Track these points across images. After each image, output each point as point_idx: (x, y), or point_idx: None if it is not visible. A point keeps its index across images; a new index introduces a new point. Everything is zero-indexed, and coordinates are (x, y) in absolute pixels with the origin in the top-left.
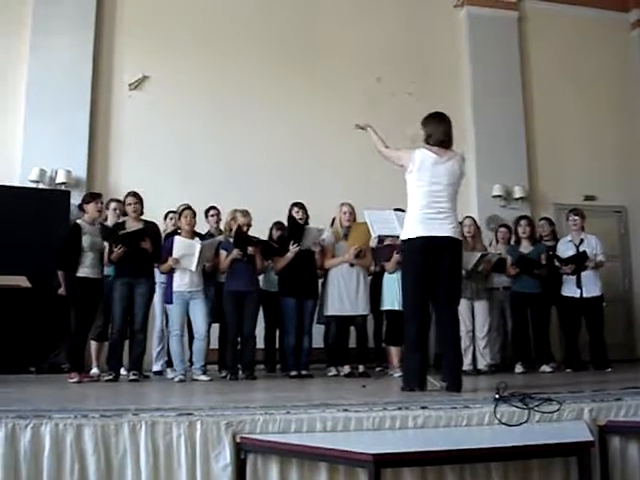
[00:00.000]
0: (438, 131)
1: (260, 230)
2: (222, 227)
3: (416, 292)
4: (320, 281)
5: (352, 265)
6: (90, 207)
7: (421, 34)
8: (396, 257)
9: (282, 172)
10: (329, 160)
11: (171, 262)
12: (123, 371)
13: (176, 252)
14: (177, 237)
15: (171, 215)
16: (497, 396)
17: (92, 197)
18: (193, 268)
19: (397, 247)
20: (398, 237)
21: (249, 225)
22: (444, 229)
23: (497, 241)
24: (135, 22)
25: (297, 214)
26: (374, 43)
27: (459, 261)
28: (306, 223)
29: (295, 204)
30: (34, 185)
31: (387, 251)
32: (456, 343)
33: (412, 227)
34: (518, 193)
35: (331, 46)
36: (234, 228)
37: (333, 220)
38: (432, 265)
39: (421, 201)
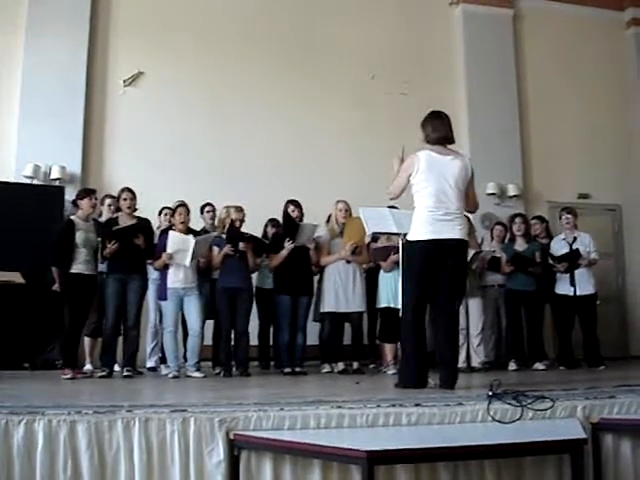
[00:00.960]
0: (437, 129)
1: (256, 228)
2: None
3: (417, 292)
4: (316, 278)
5: (348, 262)
6: (84, 203)
7: (417, 32)
8: (393, 257)
9: (279, 170)
10: (326, 159)
11: (165, 257)
12: (117, 367)
13: (170, 247)
14: (171, 232)
15: (165, 211)
16: (490, 393)
17: (86, 193)
18: (187, 263)
19: (394, 248)
20: (393, 234)
21: (242, 220)
22: (453, 231)
23: (492, 239)
24: (130, 20)
25: (292, 212)
26: (371, 42)
27: (464, 261)
28: (301, 221)
29: (290, 201)
30: (28, 181)
31: (385, 251)
32: (453, 341)
33: (420, 228)
34: (512, 191)
35: (329, 45)
36: (227, 224)
37: (329, 217)
38: (437, 267)
39: (428, 202)
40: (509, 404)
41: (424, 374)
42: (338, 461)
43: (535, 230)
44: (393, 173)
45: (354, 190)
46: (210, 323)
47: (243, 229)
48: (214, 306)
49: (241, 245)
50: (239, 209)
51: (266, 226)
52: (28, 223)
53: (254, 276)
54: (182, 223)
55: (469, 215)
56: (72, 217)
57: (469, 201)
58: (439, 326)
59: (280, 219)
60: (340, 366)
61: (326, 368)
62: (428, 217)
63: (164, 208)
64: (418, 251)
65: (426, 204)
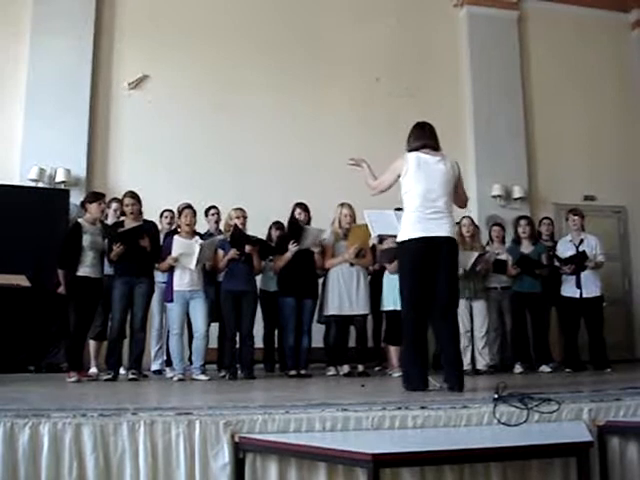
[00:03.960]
0: (418, 138)
1: (260, 230)
2: (222, 227)
3: (414, 293)
4: (320, 281)
5: (352, 265)
6: (93, 207)
7: (421, 34)
8: None
9: (283, 172)
10: (329, 160)
11: (170, 261)
12: (122, 370)
13: (175, 252)
14: (176, 237)
15: (166, 214)
16: (496, 396)
17: (96, 197)
18: (192, 267)
19: None
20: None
21: (245, 217)
22: (441, 229)
23: (492, 240)
24: (135, 22)
25: (300, 215)
26: (374, 43)
27: (455, 260)
28: (308, 223)
29: (298, 204)
30: (33, 184)
31: (391, 253)
32: (456, 343)
33: (409, 228)
34: (517, 193)
35: (331, 46)
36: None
37: (334, 220)
38: (430, 266)
39: (416, 202)
40: (515, 407)
41: (425, 375)
42: (344, 464)
43: (546, 230)
44: (364, 174)
45: (357, 192)
46: (215, 326)
47: (248, 230)
48: (219, 309)
49: (247, 248)
50: (240, 210)
51: (270, 228)
52: (33, 226)
53: (258, 279)
54: (188, 225)
55: (472, 217)
56: (79, 220)
57: (458, 197)
58: (441, 328)
59: (284, 221)
60: (345, 369)
61: (331, 371)
62: (416, 217)
63: (165, 211)
64: (409, 250)
65: (414, 204)
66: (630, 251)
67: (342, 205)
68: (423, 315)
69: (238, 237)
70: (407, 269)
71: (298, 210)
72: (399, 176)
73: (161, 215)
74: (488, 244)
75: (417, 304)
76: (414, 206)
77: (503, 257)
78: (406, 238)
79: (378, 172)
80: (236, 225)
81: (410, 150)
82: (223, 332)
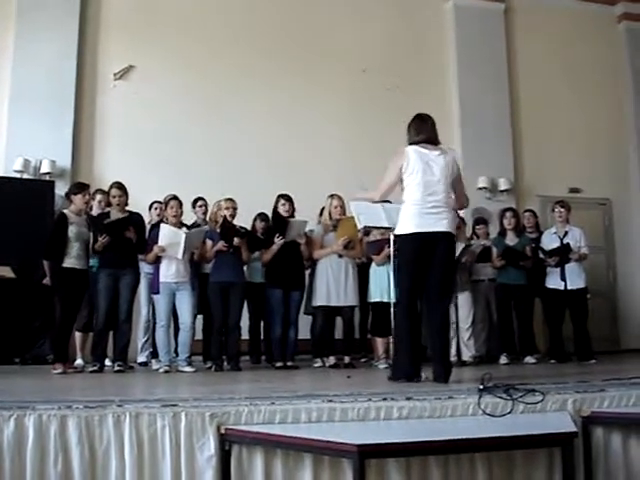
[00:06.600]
0: (420, 131)
1: (248, 222)
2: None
3: (409, 285)
4: (307, 272)
5: (341, 256)
6: (77, 199)
7: (408, 26)
8: (386, 250)
9: (271, 164)
10: (319, 153)
11: (157, 250)
12: (108, 362)
13: (162, 240)
14: (163, 225)
15: (156, 205)
16: (481, 387)
17: (80, 188)
18: (179, 256)
19: (388, 241)
20: (385, 229)
21: (235, 209)
22: (439, 224)
23: (477, 237)
24: (121, 12)
25: (283, 206)
26: (361, 36)
27: (452, 255)
28: (292, 215)
29: (281, 196)
30: (18, 175)
31: (378, 245)
32: (445, 336)
33: (407, 222)
34: (503, 185)
35: (319, 39)
36: (219, 220)
37: (322, 210)
38: (426, 260)
39: (415, 195)
40: (500, 398)
41: (418, 365)
42: (329, 455)
43: (527, 223)
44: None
45: (345, 183)
46: (200, 317)
47: (235, 222)
48: (204, 301)
49: (236, 241)
50: (230, 201)
51: (255, 220)
52: (18, 218)
53: (244, 270)
54: (174, 217)
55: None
56: (65, 211)
57: (457, 198)
58: (431, 322)
59: (270, 213)
60: (331, 360)
61: (317, 362)
62: (415, 210)
63: (154, 202)
64: (406, 244)
65: (414, 197)
66: (615, 243)
67: (332, 197)
68: (416, 306)
69: (228, 229)
70: (403, 262)
71: (282, 201)
72: (401, 169)
73: (150, 207)
74: (472, 238)
75: (411, 296)
76: (413, 199)
77: (487, 244)
78: (403, 232)
79: (367, 168)
80: (225, 217)
81: (410, 143)
82: (208, 324)
